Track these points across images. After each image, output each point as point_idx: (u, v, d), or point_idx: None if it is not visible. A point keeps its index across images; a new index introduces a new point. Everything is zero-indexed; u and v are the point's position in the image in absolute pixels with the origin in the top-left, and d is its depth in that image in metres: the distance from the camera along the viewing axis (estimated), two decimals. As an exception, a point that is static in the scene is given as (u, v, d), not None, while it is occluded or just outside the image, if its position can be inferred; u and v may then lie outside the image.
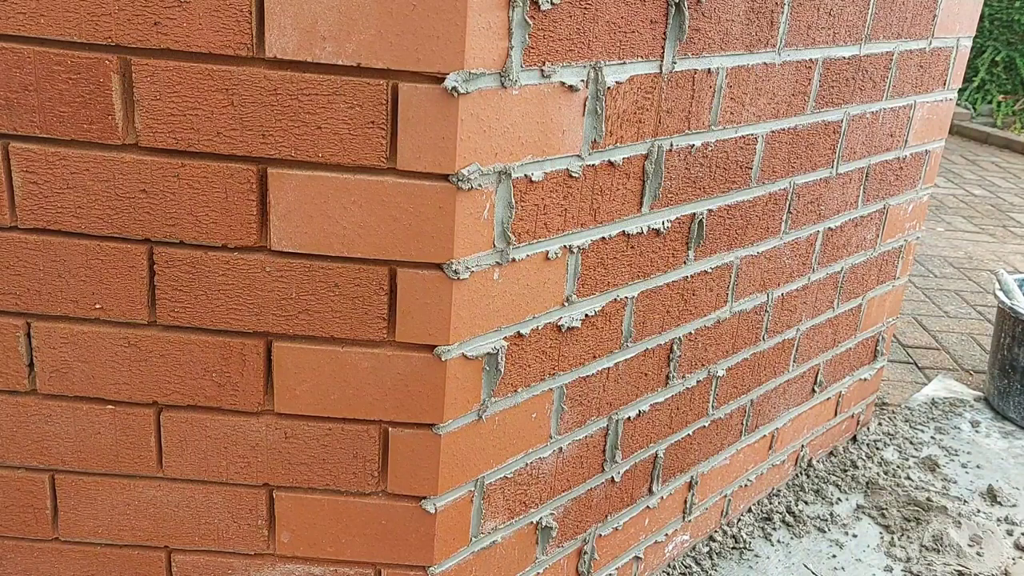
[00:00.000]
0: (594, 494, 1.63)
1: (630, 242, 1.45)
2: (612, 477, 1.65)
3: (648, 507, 1.80)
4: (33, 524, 1.33)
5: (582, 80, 1.25)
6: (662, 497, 1.83)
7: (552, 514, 1.55)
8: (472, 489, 1.36)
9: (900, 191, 2.22)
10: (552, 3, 1.16)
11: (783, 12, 1.57)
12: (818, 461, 2.43)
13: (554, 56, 1.20)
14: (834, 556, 2.07)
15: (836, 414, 2.44)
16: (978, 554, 2.10)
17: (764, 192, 1.73)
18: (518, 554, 1.51)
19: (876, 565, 2.05)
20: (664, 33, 1.34)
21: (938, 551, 2.10)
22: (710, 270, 1.67)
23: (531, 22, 1.15)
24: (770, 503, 2.23)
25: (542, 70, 1.19)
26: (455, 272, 1.19)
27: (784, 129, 1.71)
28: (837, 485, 2.34)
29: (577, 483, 1.57)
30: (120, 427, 1.27)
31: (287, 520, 1.32)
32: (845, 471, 2.41)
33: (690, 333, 1.69)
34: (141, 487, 1.30)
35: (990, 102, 8.00)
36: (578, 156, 1.29)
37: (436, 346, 1.22)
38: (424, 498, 1.31)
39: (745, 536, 2.10)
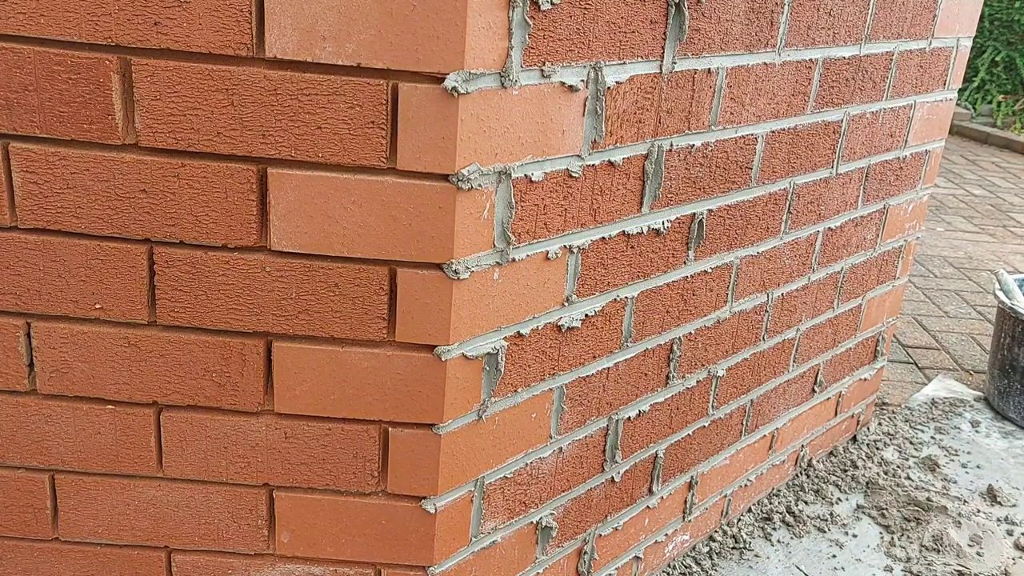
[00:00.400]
0: (594, 494, 1.63)
1: (630, 242, 1.45)
2: (612, 477, 1.65)
3: (648, 507, 1.80)
4: (33, 524, 1.33)
5: (582, 80, 1.25)
6: (662, 497, 1.83)
7: (552, 514, 1.55)
8: (472, 489, 1.36)
9: (900, 191, 2.22)
10: (552, 3, 1.16)
11: (783, 12, 1.57)
12: (818, 461, 2.43)
13: (554, 56, 1.20)
14: (834, 556, 2.07)
15: (836, 414, 2.44)
16: (978, 554, 2.10)
17: (764, 192, 1.73)
18: (518, 554, 1.51)
19: (876, 565, 2.05)
20: (664, 33, 1.34)
21: (938, 551, 2.10)
22: (710, 270, 1.67)
23: (531, 22, 1.15)
24: (770, 503, 2.23)
25: (542, 70, 1.19)
26: (455, 272, 1.19)
27: (784, 129, 1.71)
28: (837, 485, 2.34)
29: (577, 483, 1.57)
30: (120, 427, 1.27)
31: (287, 520, 1.32)
32: (845, 471, 2.41)
33: (690, 333, 1.69)
34: (141, 487, 1.30)
35: (990, 102, 8.00)
36: (578, 156, 1.29)
37: (436, 346, 1.22)
38: (424, 498, 1.31)
39: (745, 536, 2.10)
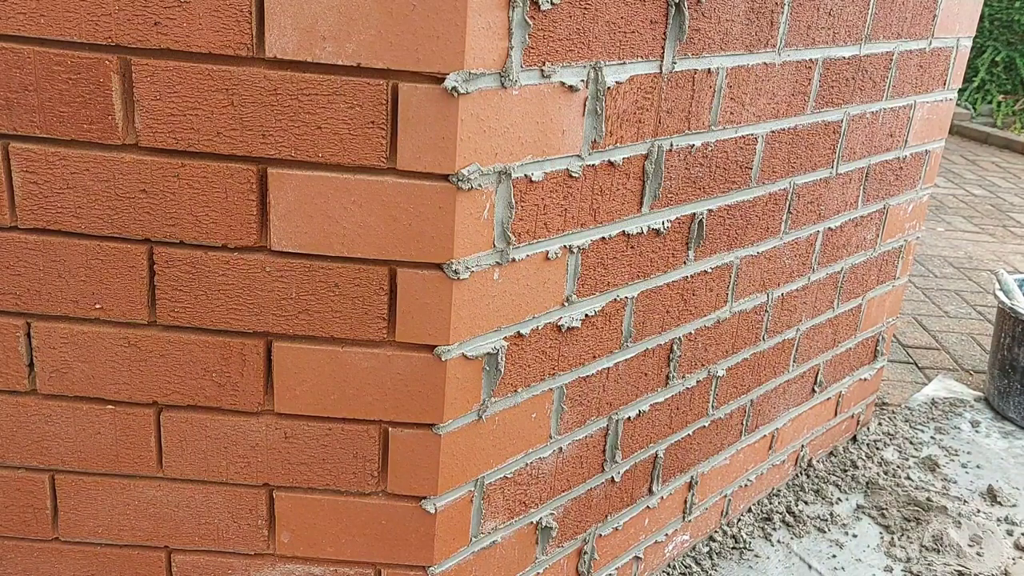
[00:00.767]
0: (594, 494, 1.63)
1: (630, 242, 1.45)
2: (612, 477, 1.65)
3: (648, 507, 1.80)
4: (33, 524, 1.33)
5: (582, 80, 1.25)
6: (662, 497, 1.83)
7: (552, 514, 1.55)
8: (472, 489, 1.36)
9: (900, 191, 2.22)
10: (552, 3, 1.16)
11: (783, 12, 1.57)
12: (818, 461, 2.43)
13: (554, 56, 1.20)
14: (834, 556, 2.07)
15: (836, 414, 2.44)
16: (978, 554, 2.10)
17: (764, 192, 1.73)
18: (518, 554, 1.51)
19: (876, 565, 2.05)
20: (664, 33, 1.34)
21: (938, 551, 2.10)
22: (710, 270, 1.67)
23: (531, 22, 1.15)
24: (770, 503, 2.23)
25: (542, 70, 1.19)
26: (455, 272, 1.19)
27: (784, 129, 1.71)
28: (837, 485, 2.34)
29: (577, 483, 1.57)
30: (120, 427, 1.27)
31: (287, 520, 1.32)
32: (845, 471, 2.41)
33: (690, 333, 1.69)
34: (141, 487, 1.30)
35: (990, 102, 8.00)
36: (578, 156, 1.29)
37: (436, 346, 1.22)
38: (424, 498, 1.31)
39: (745, 536, 2.10)
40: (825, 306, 2.14)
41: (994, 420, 2.79)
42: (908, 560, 2.06)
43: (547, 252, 1.31)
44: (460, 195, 1.15)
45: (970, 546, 2.13)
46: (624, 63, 1.30)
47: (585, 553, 1.67)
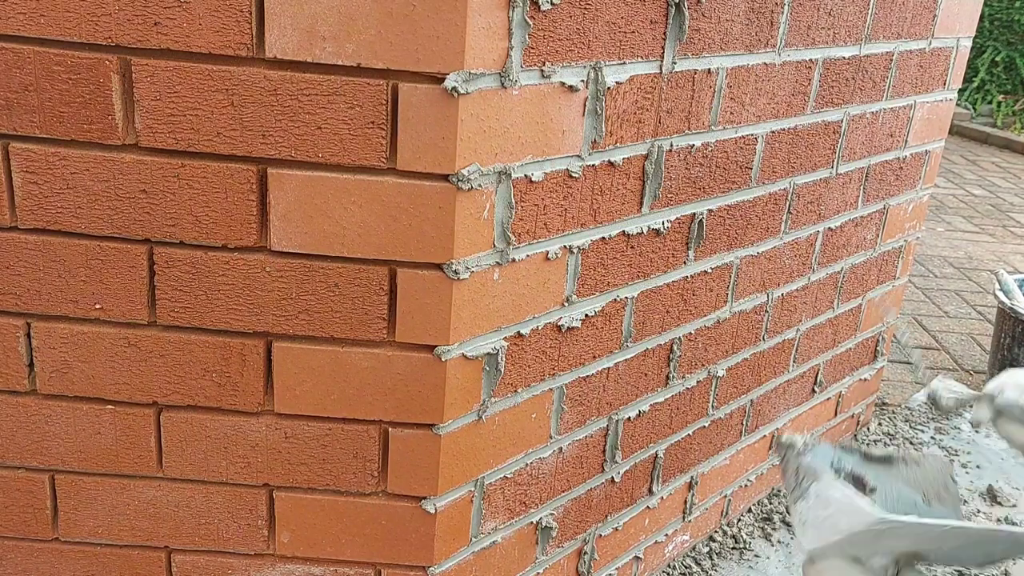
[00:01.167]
0: (594, 494, 1.63)
1: (630, 242, 1.45)
2: (612, 477, 1.65)
3: (648, 507, 1.80)
4: (33, 524, 1.33)
5: (582, 80, 1.25)
6: (662, 497, 1.83)
7: (552, 514, 1.55)
8: (472, 489, 1.36)
9: (900, 191, 2.22)
10: (552, 3, 1.16)
11: (783, 12, 1.57)
12: (818, 461, 2.43)
13: (554, 56, 1.20)
14: (834, 556, 2.07)
15: (836, 414, 2.44)
16: (978, 554, 2.10)
17: (764, 192, 1.73)
18: (518, 554, 1.51)
19: (876, 565, 2.05)
20: (664, 33, 1.34)
21: (938, 551, 2.10)
22: (710, 270, 1.67)
23: (531, 22, 1.15)
24: (770, 503, 2.23)
25: (542, 70, 1.19)
26: (455, 272, 1.19)
27: (784, 129, 1.71)
28: (837, 485, 2.34)
29: (577, 483, 1.57)
30: (120, 427, 1.27)
31: (287, 520, 1.32)
32: (845, 471, 2.41)
33: (690, 333, 1.69)
34: (141, 487, 1.30)
35: (990, 102, 8.00)
36: (578, 156, 1.29)
37: (436, 346, 1.22)
38: (424, 498, 1.31)
39: (745, 536, 2.10)
40: (825, 306, 2.14)
41: (994, 420, 2.78)
42: (908, 560, 2.06)
43: (547, 252, 1.31)
44: (460, 195, 1.15)
45: (970, 546, 2.12)
46: (624, 63, 1.30)
47: (585, 553, 1.67)
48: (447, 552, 1.37)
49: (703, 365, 1.78)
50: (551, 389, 1.43)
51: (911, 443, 2.58)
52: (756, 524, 2.16)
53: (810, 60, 1.70)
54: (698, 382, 1.78)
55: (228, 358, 1.23)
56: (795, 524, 0.95)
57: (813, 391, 2.26)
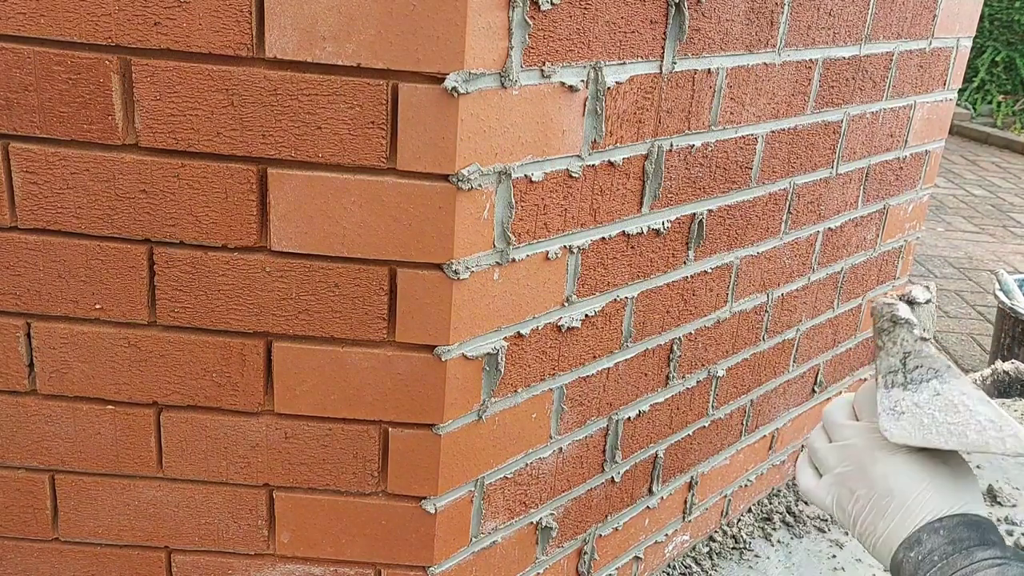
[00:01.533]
0: (594, 494, 1.63)
1: (630, 242, 1.45)
2: (612, 477, 1.65)
3: (648, 507, 1.80)
4: (33, 524, 1.33)
5: (582, 80, 1.25)
6: (662, 497, 1.83)
7: (552, 514, 1.55)
8: (472, 489, 1.36)
9: (900, 191, 2.22)
10: (552, 3, 1.16)
11: (783, 12, 1.57)
12: (818, 461, 2.43)
13: (554, 56, 1.20)
14: (834, 556, 2.07)
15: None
16: (978, 554, 2.10)
17: (764, 192, 1.73)
18: (518, 554, 1.51)
19: (876, 565, 2.05)
20: (664, 33, 1.34)
21: (938, 551, 2.10)
22: (710, 270, 1.67)
23: (531, 22, 1.15)
24: (770, 503, 2.23)
25: (542, 70, 1.19)
26: (455, 272, 1.19)
27: (784, 129, 1.71)
28: (837, 485, 2.34)
29: (577, 483, 1.57)
30: (120, 427, 1.27)
31: (287, 520, 1.32)
32: (845, 471, 2.40)
33: (690, 333, 1.69)
34: (141, 487, 1.30)
35: (990, 102, 8.00)
36: (578, 156, 1.29)
37: (436, 346, 1.22)
38: (424, 498, 1.31)
39: (745, 536, 2.10)
40: (825, 306, 2.14)
41: (994, 420, 2.78)
42: (908, 560, 2.06)
43: (547, 252, 1.31)
44: (460, 195, 1.15)
45: (970, 546, 2.12)
46: (624, 63, 1.30)
47: (585, 553, 1.67)
48: (447, 552, 1.37)
49: (703, 365, 1.78)
50: (551, 389, 1.43)
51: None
52: (756, 524, 2.15)
53: (810, 60, 1.70)
54: (698, 382, 1.78)
55: (228, 358, 1.23)
56: (883, 410, 0.78)
57: (813, 391, 2.26)
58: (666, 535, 1.90)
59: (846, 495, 0.80)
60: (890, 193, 2.18)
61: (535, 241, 1.28)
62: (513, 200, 1.22)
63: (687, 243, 1.58)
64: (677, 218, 1.53)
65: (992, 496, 2.34)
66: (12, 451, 1.28)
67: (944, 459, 0.78)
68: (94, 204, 1.15)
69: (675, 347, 1.67)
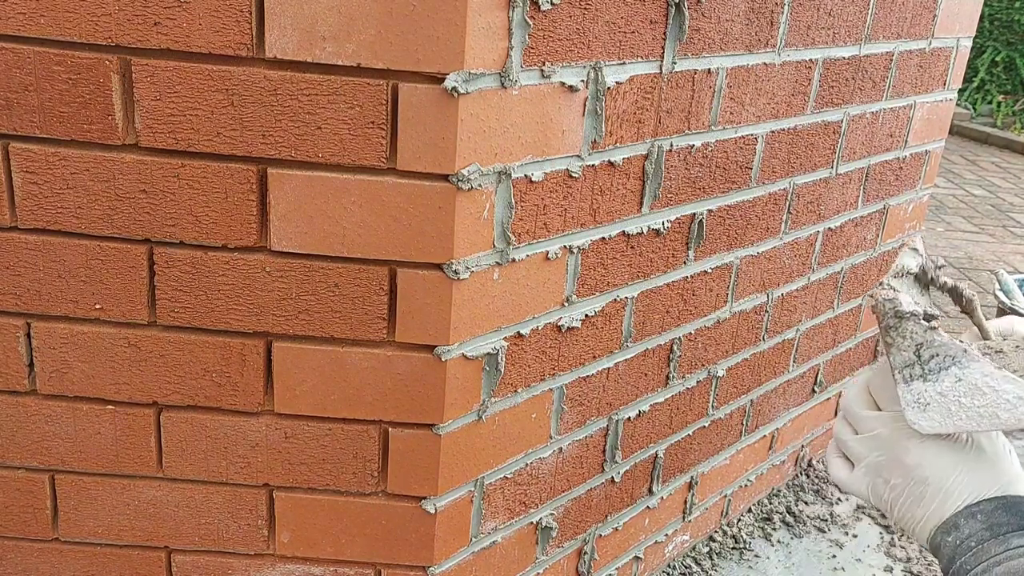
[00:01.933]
0: (594, 494, 1.63)
1: (630, 242, 1.45)
2: (612, 477, 1.65)
3: (648, 507, 1.80)
4: (33, 524, 1.33)
5: (582, 80, 1.25)
6: (662, 497, 1.83)
7: (552, 514, 1.55)
8: (472, 489, 1.36)
9: (900, 191, 2.22)
10: (552, 3, 1.16)
11: (783, 12, 1.57)
12: (818, 461, 2.43)
13: (554, 56, 1.20)
14: (834, 556, 2.07)
15: (837, 414, 2.44)
16: (978, 554, 2.10)
17: (764, 192, 1.73)
18: (518, 554, 1.51)
19: (876, 565, 2.05)
20: (664, 33, 1.34)
21: (938, 551, 2.10)
22: (710, 270, 1.67)
23: (531, 22, 1.15)
24: (770, 503, 2.23)
25: (542, 70, 1.19)
26: (455, 272, 1.19)
27: (784, 129, 1.71)
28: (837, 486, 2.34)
29: (577, 483, 1.57)
30: (120, 427, 1.27)
31: (287, 520, 1.32)
32: (845, 471, 2.41)
33: (690, 333, 1.69)
34: (141, 487, 1.30)
35: (990, 102, 8.00)
36: (578, 156, 1.29)
37: (436, 346, 1.22)
38: (424, 498, 1.31)
39: (745, 536, 2.10)
40: (825, 306, 2.14)
41: (994, 420, 2.78)
42: (908, 560, 2.06)
43: (547, 252, 1.31)
44: (460, 195, 1.15)
45: (970, 546, 2.12)
46: (624, 63, 1.30)
47: (585, 553, 1.67)
48: (447, 552, 1.37)
49: (703, 365, 1.78)
50: (551, 389, 1.43)
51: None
52: (756, 524, 2.16)
53: (810, 60, 1.70)
54: (698, 382, 1.78)
55: (228, 358, 1.23)
56: (907, 404, 0.77)
57: (813, 391, 2.26)
58: (666, 535, 1.90)
59: (881, 484, 0.80)
60: (890, 193, 2.18)
61: (535, 241, 1.28)
62: (513, 200, 1.22)
63: (687, 243, 1.58)
64: (677, 218, 1.53)
65: None
66: (12, 451, 1.29)
67: (977, 440, 0.77)
68: (94, 204, 1.15)
69: (675, 347, 1.67)
